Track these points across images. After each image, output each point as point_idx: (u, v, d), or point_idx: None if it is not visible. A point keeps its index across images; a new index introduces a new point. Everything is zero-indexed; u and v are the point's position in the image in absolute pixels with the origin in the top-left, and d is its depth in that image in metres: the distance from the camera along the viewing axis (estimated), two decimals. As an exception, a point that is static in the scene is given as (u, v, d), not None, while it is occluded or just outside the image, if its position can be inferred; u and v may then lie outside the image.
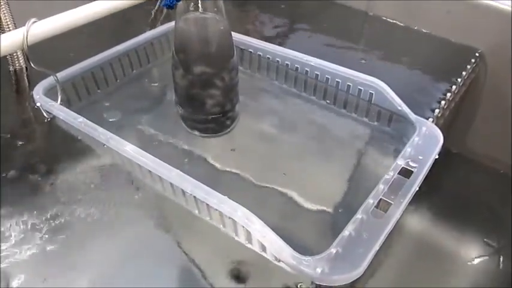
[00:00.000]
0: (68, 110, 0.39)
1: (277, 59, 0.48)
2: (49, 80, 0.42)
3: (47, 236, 0.32)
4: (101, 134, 0.36)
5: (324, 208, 0.35)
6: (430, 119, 0.43)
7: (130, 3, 0.43)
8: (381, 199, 0.32)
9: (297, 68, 0.47)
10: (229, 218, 0.30)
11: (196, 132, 0.41)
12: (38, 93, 0.41)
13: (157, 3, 0.59)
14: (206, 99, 0.39)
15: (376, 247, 0.29)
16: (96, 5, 0.40)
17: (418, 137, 0.38)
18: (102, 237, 0.32)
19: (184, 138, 0.41)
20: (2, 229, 0.32)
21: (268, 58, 0.49)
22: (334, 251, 0.29)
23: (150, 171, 0.34)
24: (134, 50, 0.48)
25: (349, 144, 0.42)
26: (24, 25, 0.37)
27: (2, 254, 0.31)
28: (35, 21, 0.37)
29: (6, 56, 0.48)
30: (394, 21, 0.62)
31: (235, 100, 0.41)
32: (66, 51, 0.50)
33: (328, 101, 0.46)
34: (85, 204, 0.34)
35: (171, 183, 0.33)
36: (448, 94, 0.48)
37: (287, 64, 0.48)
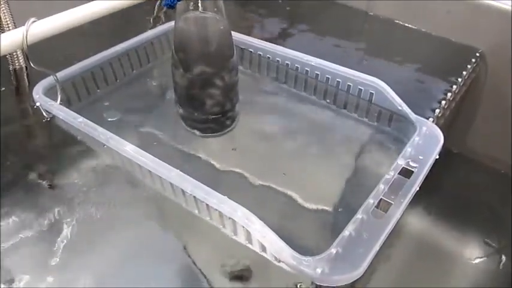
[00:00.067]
0: (67, 109, 0.39)
1: (278, 59, 0.48)
2: (49, 80, 0.42)
3: (46, 236, 0.32)
4: (100, 134, 0.36)
5: (324, 208, 0.35)
6: (431, 119, 0.43)
7: (130, 3, 0.43)
8: (381, 199, 0.32)
9: (297, 67, 0.47)
10: (229, 218, 0.30)
11: (196, 132, 0.41)
12: (38, 93, 0.41)
13: (158, 3, 0.59)
14: (206, 99, 0.38)
15: (377, 247, 0.29)
16: (96, 5, 0.40)
17: (419, 137, 0.38)
18: (102, 237, 0.32)
19: (184, 138, 0.41)
20: (2, 229, 0.32)
21: (269, 58, 0.49)
22: (334, 251, 0.28)
23: (150, 171, 0.34)
24: (134, 49, 0.48)
25: (349, 144, 0.42)
26: (23, 25, 0.37)
27: (2, 254, 0.31)
28: (35, 21, 0.37)
29: (6, 55, 0.48)
30: (395, 21, 0.62)
31: (235, 100, 0.41)
32: (65, 51, 0.49)
33: (328, 101, 0.46)
34: (85, 204, 0.34)
35: (170, 183, 0.33)
36: (449, 94, 0.48)
37: (287, 64, 0.48)
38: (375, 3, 0.63)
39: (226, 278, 0.30)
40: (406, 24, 0.61)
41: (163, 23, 0.52)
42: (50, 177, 0.37)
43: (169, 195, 0.34)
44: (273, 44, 0.49)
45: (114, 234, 0.33)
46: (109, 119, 0.42)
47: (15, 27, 0.46)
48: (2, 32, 0.41)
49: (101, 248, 0.32)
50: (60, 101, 0.41)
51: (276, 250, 0.29)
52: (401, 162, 0.35)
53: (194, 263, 0.31)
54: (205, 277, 0.30)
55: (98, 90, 0.46)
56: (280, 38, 0.58)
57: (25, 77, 0.49)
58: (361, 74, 0.44)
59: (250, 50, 0.50)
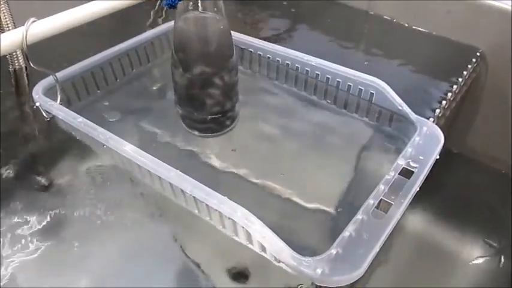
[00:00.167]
0: (67, 109, 0.39)
1: (278, 59, 0.48)
2: (49, 80, 0.42)
3: (47, 236, 0.32)
4: (100, 134, 0.36)
5: (324, 208, 0.35)
6: (431, 119, 0.43)
7: (130, 3, 0.43)
8: (381, 199, 0.32)
9: (297, 67, 0.47)
10: (229, 218, 0.30)
11: (196, 132, 0.41)
12: (38, 93, 0.41)
13: (158, 3, 0.59)
14: (206, 99, 0.38)
15: (377, 248, 0.29)
16: (95, 5, 0.40)
17: (419, 137, 0.38)
18: (102, 237, 0.32)
19: (184, 138, 0.41)
20: (2, 229, 0.32)
21: (269, 58, 0.49)
22: (335, 252, 0.28)
23: (149, 171, 0.34)
24: (134, 49, 0.48)
25: (349, 144, 0.42)
26: (23, 25, 0.37)
27: (2, 254, 0.31)
28: (34, 21, 0.37)
29: (6, 55, 0.48)
30: (395, 21, 0.61)
31: (235, 100, 0.41)
32: (65, 51, 0.49)
33: (328, 101, 0.46)
34: (85, 204, 0.34)
35: (170, 184, 0.33)
36: (449, 94, 0.48)
37: (287, 64, 0.47)
38: (375, 3, 0.63)
39: (226, 278, 0.30)
40: (407, 24, 0.61)
41: (164, 20, 0.52)
42: (49, 177, 0.36)
43: (169, 196, 0.34)
44: (273, 44, 0.48)
45: (114, 234, 0.33)
46: (109, 119, 0.42)
47: (15, 27, 0.46)
48: (2, 32, 0.41)
49: (101, 248, 0.32)
50: (60, 101, 0.41)
51: (276, 250, 0.29)
52: (401, 162, 0.35)
53: (194, 263, 0.31)
54: (205, 277, 0.30)
55: (98, 91, 0.46)
56: (280, 38, 0.57)
57: (25, 77, 0.49)
58: (362, 74, 0.43)
59: (250, 50, 0.50)
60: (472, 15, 0.56)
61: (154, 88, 0.48)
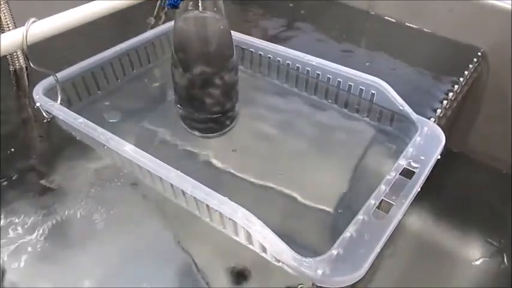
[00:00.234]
0: (67, 110, 0.39)
1: (278, 59, 0.48)
2: (49, 80, 0.42)
3: (47, 236, 0.32)
4: (100, 134, 0.36)
5: (325, 209, 0.35)
6: (432, 119, 0.42)
7: (130, 3, 0.43)
8: (382, 200, 0.32)
9: (298, 67, 0.47)
10: (230, 219, 0.30)
11: (196, 132, 0.41)
12: (38, 93, 0.41)
13: (158, 3, 0.59)
14: (206, 99, 0.38)
15: (378, 248, 0.29)
16: (96, 5, 0.40)
17: (420, 137, 0.38)
18: (103, 237, 0.32)
19: (184, 138, 0.41)
20: (2, 229, 0.32)
21: (269, 57, 0.49)
22: (335, 253, 0.28)
23: (150, 171, 0.34)
24: (135, 49, 0.48)
25: (350, 144, 0.41)
26: (23, 25, 0.37)
27: (2, 254, 0.30)
28: (35, 21, 0.37)
29: (6, 55, 0.48)
30: (396, 21, 0.61)
31: (235, 100, 0.41)
32: (66, 51, 0.49)
33: (329, 101, 0.45)
34: (85, 204, 0.34)
35: (171, 184, 0.33)
36: (450, 94, 0.48)
37: (288, 64, 0.47)
38: (376, 2, 0.63)
39: (226, 278, 0.30)
40: (408, 24, 0.61)
41: (164, 22, 0.52)
42: (50, 177, 0.36)
43: (170, 196, 0.34)
44: (274, 44, 0.48)
45: (114, 234, 0.33)
46: (109, 120, 0.42)
47: (15, 27, 0.46)
48: (2, 32, 0.41)
49: (101, 248, 0.32)
50: (61, 101, 0.41)
51: (277, 251, 0.28)
52: (402, 162, 0.35)
53: (194, 263, 0.31)
54: (205, 277, 0.30)
55: (99, 91, 0.46)
56: (280, 38, 0.57)
57: (25, 77, 0.49)
58: (363, 73, 0.43)
59: (251, 49, 0.49)
60: (473, 14, 0.56)
61: (154, 88, 0.48)
